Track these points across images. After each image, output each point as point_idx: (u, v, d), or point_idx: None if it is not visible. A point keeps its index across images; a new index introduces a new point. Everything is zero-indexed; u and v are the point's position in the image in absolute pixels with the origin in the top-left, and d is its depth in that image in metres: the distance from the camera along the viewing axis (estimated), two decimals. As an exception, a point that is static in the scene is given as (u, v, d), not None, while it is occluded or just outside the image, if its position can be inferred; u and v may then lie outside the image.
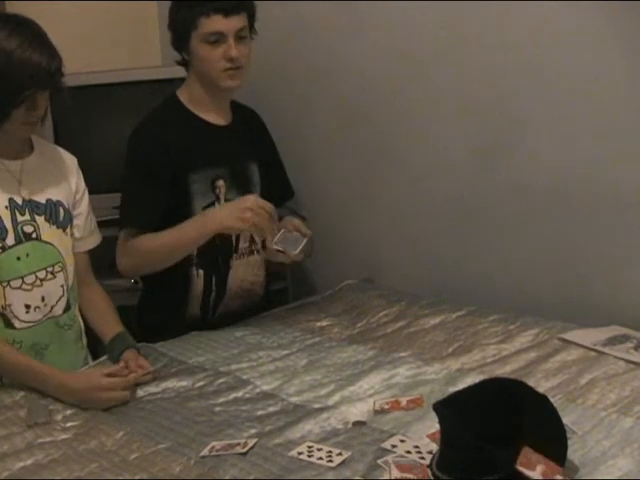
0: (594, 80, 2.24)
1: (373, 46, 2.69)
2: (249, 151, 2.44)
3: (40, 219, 2.05)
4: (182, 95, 2.38)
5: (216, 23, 2.23)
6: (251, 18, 2.33)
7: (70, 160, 2.21)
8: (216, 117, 2.38)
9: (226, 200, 2.33)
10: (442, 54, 2.53)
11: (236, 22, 2.26)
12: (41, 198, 2.07)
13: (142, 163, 2.29)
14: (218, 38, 2.24)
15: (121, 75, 2.95)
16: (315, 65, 2.81)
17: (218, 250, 2.34)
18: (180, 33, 2.30)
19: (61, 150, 2.23)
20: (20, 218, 2.02)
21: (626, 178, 2.23)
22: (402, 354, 2.09)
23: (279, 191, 2.52)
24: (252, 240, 2.40)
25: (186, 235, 2.24)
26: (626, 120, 2.22)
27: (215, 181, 2.33)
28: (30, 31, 1.93)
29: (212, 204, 2.32)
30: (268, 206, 2.16)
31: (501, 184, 2.48)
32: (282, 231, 2.23)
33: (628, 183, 2.23)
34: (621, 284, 2.28)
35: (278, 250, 2.21)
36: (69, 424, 1.79)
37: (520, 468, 1.33)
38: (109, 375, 1.92)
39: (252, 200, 2.17)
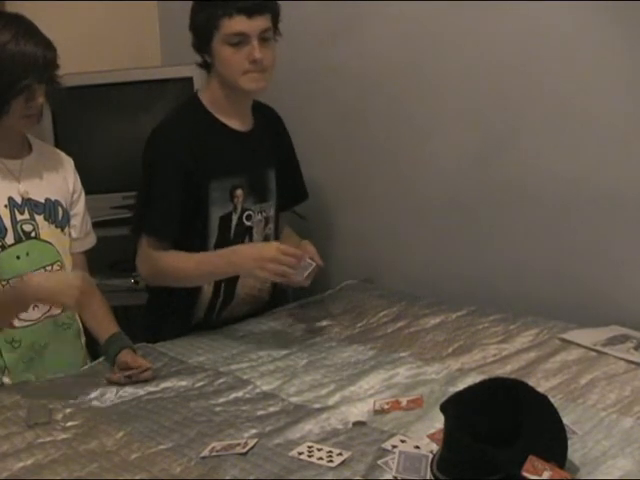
0: (593, 83, 2.25)
1: (371, 48, 2.70)
2: (268, 158, 2.39)
3: (39, 218, 2.06)
4: (204, 97, 2.31)
5: (239, 24, 2.16)
6: (275, 19, 2.25)
7: (67, 161, 2.21)
8: (237, 122, 2.32)
9: (243, 209, 2.30)
10: (441, 56, 2.53)
11: (260, 23, 2.18)
12: (40, 197, 2.07)
13: (165, 165, 2.23)
14: (241, 39, 2.17)
15: (121, 75, 2.95)
16: (314, 67, 2.81)
17: None
18: (201, 34, 2.23)
19: (58, 151, 2.25)
20: (19, 217, 2.02)
21: (625, 178, 2.23)
22: (402, 354, 2.09)
23: (293, 193, 2.50)
24: None
25: (213, 271, 2.24)
26: (625, 122, 2.22)
27: (234, 190, 2.28)
28: (23, 23, 1.95)
29: (230, 214, 2.28)
30: (291, 251, 2.12)
31: (500, 185, 2.48)
32: None
33: (628, 183, 2.23)
34: (621, 284, 2.28)
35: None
36: (69, 424, 1.79)
37: (526, 474, 1.33)
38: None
39: (274, 251, 2.11)
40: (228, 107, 2.30)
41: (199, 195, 2.24)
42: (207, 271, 2.26)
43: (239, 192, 2.29)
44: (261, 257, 2.12)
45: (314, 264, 2.23)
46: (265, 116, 2.42)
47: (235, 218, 2.30)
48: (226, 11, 2.15)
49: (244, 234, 2.32)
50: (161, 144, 2.26)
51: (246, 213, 2.31)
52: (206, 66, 2.29)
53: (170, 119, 2.30)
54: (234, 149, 2.29)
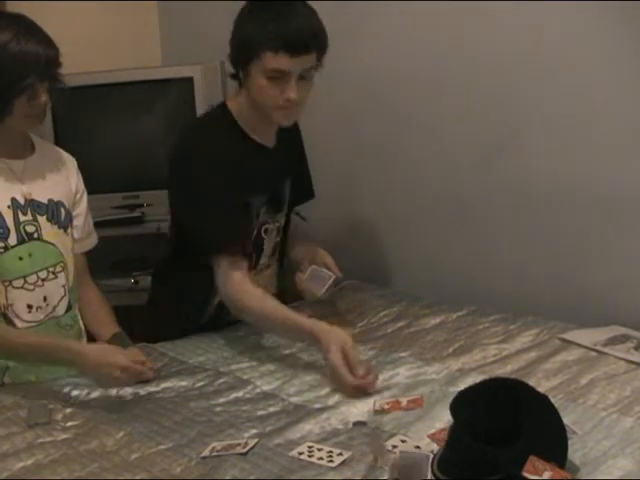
0: (593, 83, 2.25)
1: (374, 46, 2.70)
2: (286, 170, 2.33)
3: (42, 219, 2.05)
4: (233, 109, 2.19)
5: (281, 61, 2.01)
6: (321, 54, 2.10)
7: (70, 161, 2.20)
8: (264, 138, 2.23)
9: (261, 224, 2.25)
10: (443, 56, 2.53)
11: (303, 62, 2.03)
12: (43, 198, 2.07)
13: (215, 178, 2.10)
14: (280, 75, 2.03)
15: (121, 75, 2.95)
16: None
17: None
18: (240, 55, 2.10)
19: (61, 151, 2.23)
20: (22, 218, 2.02)
21: (626, 179, 2.24)
22: (402, 354, 2.09)
23: (301, 192, 2.45)
24: (272, 254, 2.36)
25: (295, 335, 2.11)
26: (625, 122, 2.22)
27: (260, 208, 2.23)
28: (23, 22, 1.94)
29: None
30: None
31: (501, 185, 2.48)
32: (312, 267, 2.23)
33: (628, 184, 2.23)
34: (621, 284, 2.28)
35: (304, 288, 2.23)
36: (69, 424, 1.79)
37: (526, 474, 1.33)
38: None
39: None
40: (257, 124, 2.20)
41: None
42: (291, 332, 2.10)
43: (263, 210, 2.25)
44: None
45: (333, 276, 2.22)
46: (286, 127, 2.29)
47: (254, 233, 2.26)
48: (272, 45, 2.00)
49: (258, 245, 2.29)
50: (204, 159, 2.13)
51: (264, 227, 2.28)
52: (238, 79, 2.17)
53: (206, 133, 2.19)
54: (260, 166, 2.20)
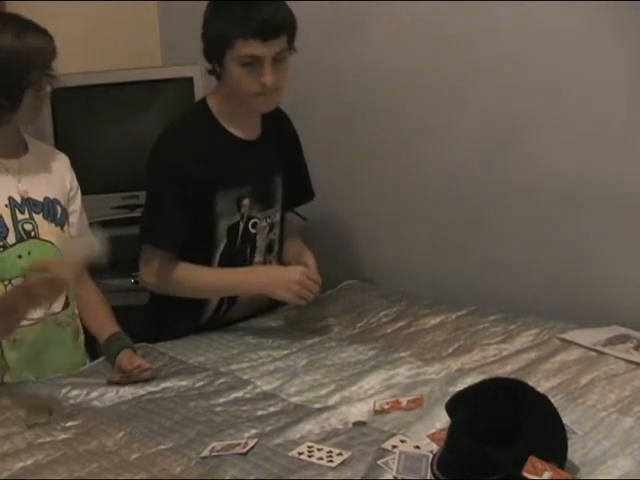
0: (596, 82, 2.25)
1: (374, 46, 2.70)
2: (274, 164, 2.36)
3: (38, 217, 2.06)
4: (212, 103, 2.26)
5: (253, 47, 2.08)
6: (291, 38, 2.17)
7: (63, 159, 2.22)
8: (245, 132, 2.28)
9: (248, 217, 2.28)
10: (445, 55, 2.53)
11: (274, 46, 2.10)
12: (39, 196, 2.07)
13: (173, 176, 2.19)
14: (253, 61, 2.10)
15: (121, 75, 2.96)
16: (315, 66, 2.81)
17: (234, 264, 2.30)
18: (213, 47, 2.17)
19: (54, 149, 2.26)
20: (20, 216, 2.02)
21: (626, 179, 2.24)
22: (402, 354, 2.09)
23: (299, 193, 2.48)
24: (266, 253, 2.37)
25: (228, 287, 2.30)
26: (626, 121, 2.22)
27: (241, 200, 2.26)
28: (21, 20, 1.98)
29: (237, 223, 2.27)
30: (316, 277, 2.21)
31: (501, 185, 2.48)
32: None
33: (628, 184, 2.23)
34: (621, 284, 2.28)
35: None
36: (69, 424, 1.79)
37: (526, 475, 1.33)
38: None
39: (300, 273, 2.18)
40: (236, 117, 2.26)
41: (206, 206, 2.22)
42: (222, 288, 2.31)
43: (246, 202, 2.27)
44: (285, 278, 2.19)
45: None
46: (274, 118, 2.36)
47: (242, 226, 2.29)
48: (242, 32, 2.08)
49: (249, 241, 2.32)
50: (168, 153, 2.22)
51: (252, 221, 2.30)
52: (216, 74, 2.23)
53: (178, 128, 2.26)
54: (241, 159, 2.25)
